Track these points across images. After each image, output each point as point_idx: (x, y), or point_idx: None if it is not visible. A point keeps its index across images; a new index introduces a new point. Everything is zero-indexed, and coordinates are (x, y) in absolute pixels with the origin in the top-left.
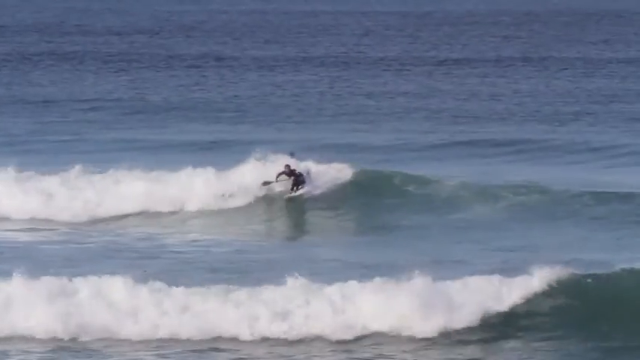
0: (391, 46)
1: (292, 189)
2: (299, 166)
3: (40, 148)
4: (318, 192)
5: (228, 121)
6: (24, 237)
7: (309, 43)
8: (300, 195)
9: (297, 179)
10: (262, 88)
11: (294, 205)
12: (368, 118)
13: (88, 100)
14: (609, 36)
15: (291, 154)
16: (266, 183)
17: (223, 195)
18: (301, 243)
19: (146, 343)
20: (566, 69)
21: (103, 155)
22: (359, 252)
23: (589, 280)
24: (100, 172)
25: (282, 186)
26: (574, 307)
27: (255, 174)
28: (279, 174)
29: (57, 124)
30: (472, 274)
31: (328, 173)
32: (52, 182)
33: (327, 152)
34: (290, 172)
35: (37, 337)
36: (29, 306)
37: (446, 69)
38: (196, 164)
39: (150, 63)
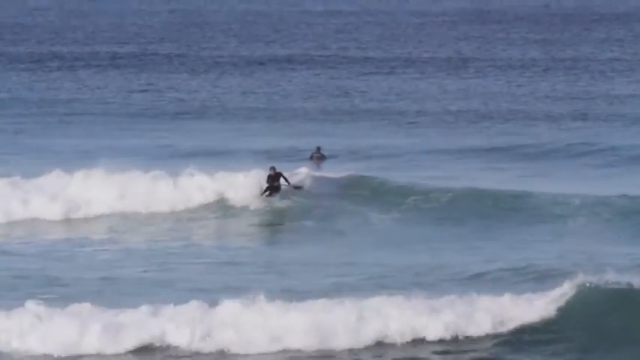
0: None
1: (265, 192)
2: (321, 164)
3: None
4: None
5: (239, 122)
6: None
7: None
8: (273, 200)
9: (275, 185)
10: (279, 88)
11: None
12: (392, 120)
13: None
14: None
15: (318, 148)
16: (297, 187)
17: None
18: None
19: None
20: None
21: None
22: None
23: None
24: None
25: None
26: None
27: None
28: (270, 177)
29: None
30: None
31: (328, 179)
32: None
33: (343, 156)
34: (275, 175)
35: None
36: None
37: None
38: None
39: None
